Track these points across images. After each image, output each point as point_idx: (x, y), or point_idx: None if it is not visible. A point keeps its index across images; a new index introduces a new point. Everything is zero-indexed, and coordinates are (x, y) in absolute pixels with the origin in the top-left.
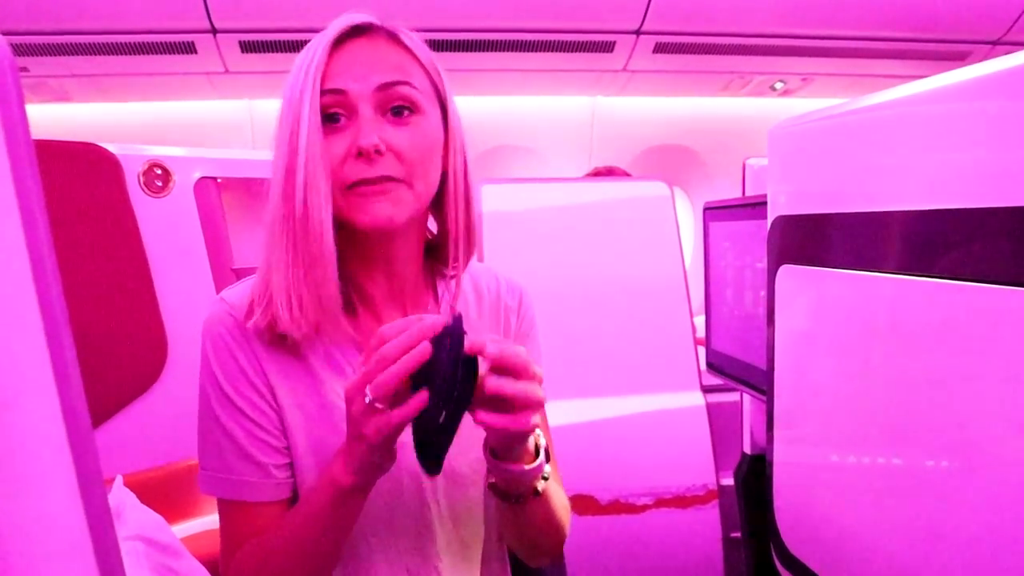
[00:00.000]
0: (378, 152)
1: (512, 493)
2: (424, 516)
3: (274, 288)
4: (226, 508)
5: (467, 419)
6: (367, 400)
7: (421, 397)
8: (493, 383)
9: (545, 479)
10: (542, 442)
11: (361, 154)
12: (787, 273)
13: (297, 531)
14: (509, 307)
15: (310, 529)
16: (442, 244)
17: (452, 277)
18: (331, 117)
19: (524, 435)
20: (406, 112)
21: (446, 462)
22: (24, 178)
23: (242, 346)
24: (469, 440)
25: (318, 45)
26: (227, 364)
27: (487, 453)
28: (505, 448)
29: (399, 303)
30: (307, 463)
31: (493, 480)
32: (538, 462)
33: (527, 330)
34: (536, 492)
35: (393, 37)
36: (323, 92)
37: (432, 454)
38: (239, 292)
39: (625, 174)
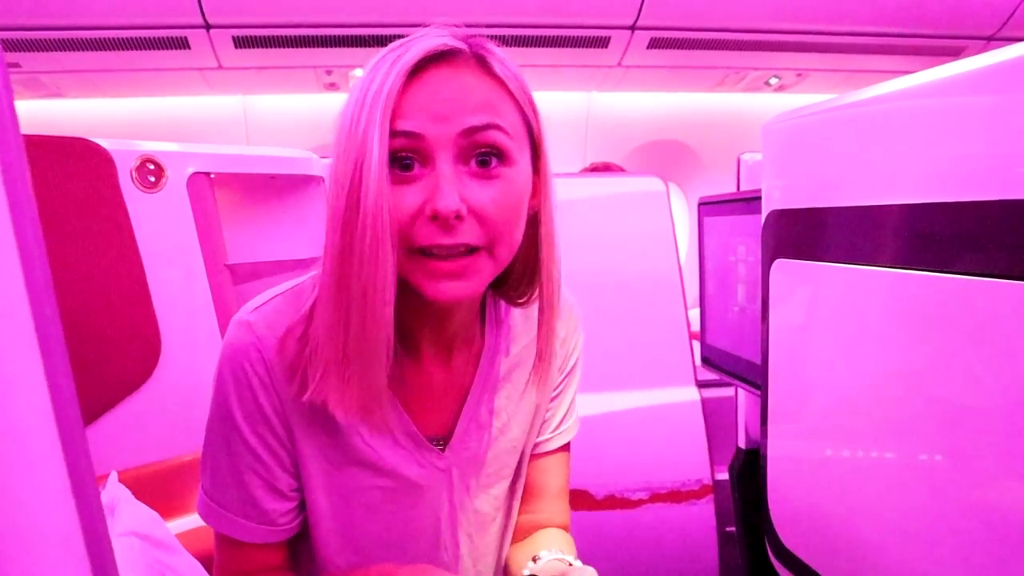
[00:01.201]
0: (458, 217)
1: None
2: (441, 559)
3: (326, 364)
4: (221, 540)
5: (493, 450)
6: None
7: None
8: None
9: None
10: None
11: (436, 218)
12: (781, 267)
13: None
14: (559, 337)
15: None
16: (507, 277)
17: (544, 338)
18: (401, 162)
19: None
20: (493, 162)
21: (468, 500)
22: (13, 172)
23: (265, 385)
24: (492, 477)
25: (390, 71)
26: (248, 404)
27: None
28: None
29: (446, 345)
30: (322, 505)
31: None
32: None
33: (573, 364)
34: None
35: (482, 63)
36: (394, 133)
37: None
38: (267, 316)
39: (620, 170)
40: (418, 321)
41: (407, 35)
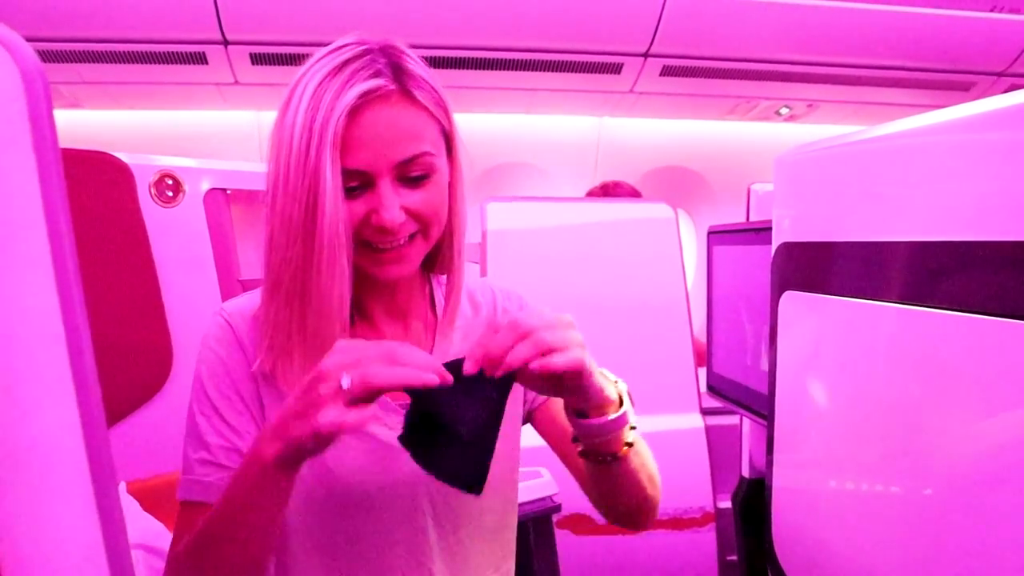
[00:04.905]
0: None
1: (604, 452)
2: (417, 522)
3: (277, 349)
4: (181, 509)
5: None
6: (343, 384)
7: (372, 410)
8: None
9: (633, 428)
10: (623, 387)
11: (382, 228)
12: (790, 299)
13: (224, 511)
14: (508, 311)
15: (236, 509)
16: (436, 252)
17: (448, 292)
18: (348, 185)
19: (576, 372)
20: (423, 179)
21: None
22: (51, 191)
23: (232, 354)
24: None
25: (331, 112)
26: (214, 366)
27: (570, 415)
28: (576, 398)
29: (400, 318)
30: (302, 472)
31: (582, 447)
32: (622, 410)
33: None
34: (628, 444)
35: (406, 94)
36: (344, 170)
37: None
38: (236, 304)
39: (633, 189)
40: (368, 294)
41: (434, 56)
